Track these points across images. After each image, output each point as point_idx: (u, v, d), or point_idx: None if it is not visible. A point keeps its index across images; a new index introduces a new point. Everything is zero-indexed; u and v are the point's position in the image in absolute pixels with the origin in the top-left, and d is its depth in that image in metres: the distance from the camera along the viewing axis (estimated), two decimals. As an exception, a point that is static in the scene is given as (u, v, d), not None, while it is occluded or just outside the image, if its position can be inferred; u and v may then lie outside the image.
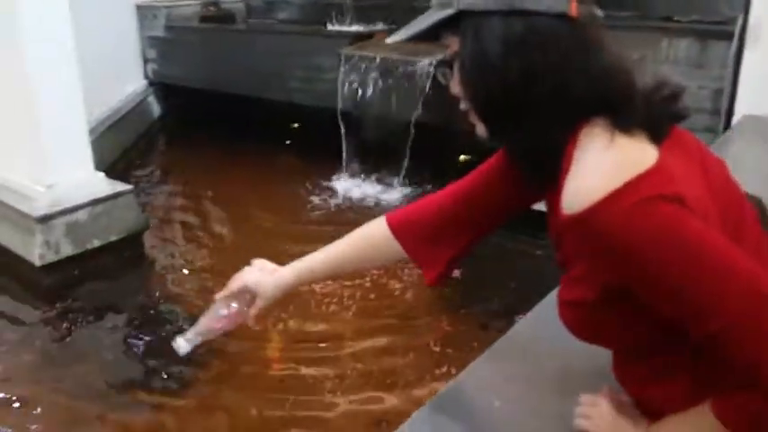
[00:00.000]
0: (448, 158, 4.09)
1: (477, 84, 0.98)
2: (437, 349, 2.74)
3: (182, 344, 1.33)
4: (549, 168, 0.99)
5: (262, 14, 5.79)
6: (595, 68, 0.93)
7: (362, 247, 1.33)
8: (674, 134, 0.96)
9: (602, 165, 0.89)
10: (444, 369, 2.59)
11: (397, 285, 3.21)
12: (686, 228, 0.85)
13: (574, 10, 0.93)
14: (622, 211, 0.84)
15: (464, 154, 4.06)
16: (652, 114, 0.94)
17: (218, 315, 1.34)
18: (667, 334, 0.95)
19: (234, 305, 1.34)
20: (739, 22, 3.39)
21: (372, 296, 3.14)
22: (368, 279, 3.22)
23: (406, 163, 4.05)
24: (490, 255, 3.40)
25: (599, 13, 0.97)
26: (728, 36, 3.33)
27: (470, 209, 1.22)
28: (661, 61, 3.52)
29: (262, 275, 1.34)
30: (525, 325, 1.57)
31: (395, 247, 1.27)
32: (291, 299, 3.04)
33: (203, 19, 5.57)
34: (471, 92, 0.99)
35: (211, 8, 5.71)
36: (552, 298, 1.56)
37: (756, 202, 1.09)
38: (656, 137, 0.92)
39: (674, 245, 0.85)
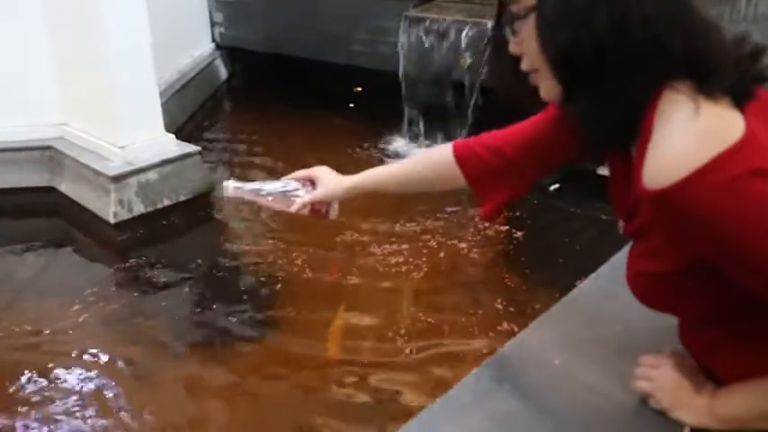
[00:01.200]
0: (510, 121, 4.04)
1: (559, 36, 0.90)
2: (500, 308, 2.77)
3: (230, 187, 1.41)
4: (623, 135, 0.95)
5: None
6: (691, 23, 0.89)
7: (427, 168, 1.39)
8: (758, 97, 0.91)
9: (689, 137, 0.85)
10: (506, 326, 2.63)
11: (463, 245, 3.25)
12: None
13: None
14: (711, 189, 0.81)
15: (528, 115, 4.00)
16: (737, 77, 0.89)
17: (275, 186, 1.42)
18: (743, 303, 0.93)
19: (292, 185, 1.42)
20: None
21: (441, 255, 3.18)
22: (434, 239, 3.25)
23: (468, 126, 4.02)
24: (554, 219, 3.39)
25: None
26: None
27: (528, 157, 1.25)
28: (741, 20, 3.38)
29: (328, 171, 1.44)
30: (586, 288, 1.57)
31: (456, 175, 1.31)
32: (358, 258, 3.11)
33: (270, -18, 5.58)
34: (552, 47, 0.91)
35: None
36: (614, 262, 1.56)
37: None
38: (741, 101, 0.88)
39: (764, 222, 0.82)
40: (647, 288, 1.03)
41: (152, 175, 3.54)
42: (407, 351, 2.54)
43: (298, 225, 3.45)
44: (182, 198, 3.64)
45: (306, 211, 1.44)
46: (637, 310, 1.08)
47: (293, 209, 1.42)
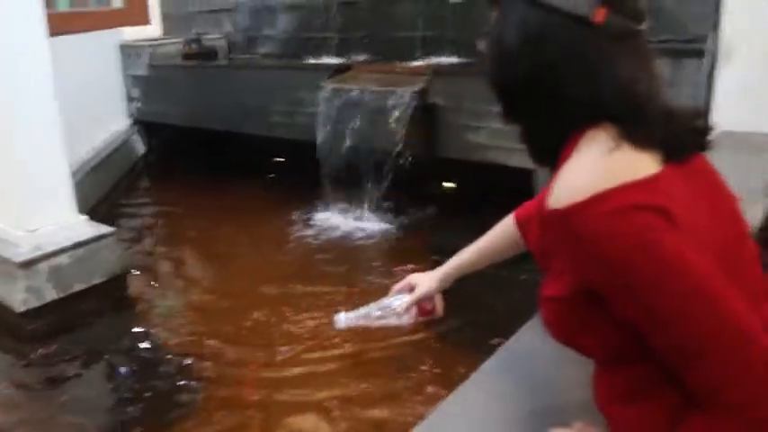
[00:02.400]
0: (430, 187, 4.11)
1: (491, 63, 0.99)
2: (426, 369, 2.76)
3: (340, 319, 1.49)
4: (550, 159, 0.99)
5: (243, 50, 5.83)
6: (606, 78, 0.92)
7: (500, 241, 1.46)
8: (691, 160, 0.96)
9: (596, 166, 0.88)
10: (431, 390, 2.62)
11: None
12: (663, 241, 0.84)
13: (599, 17, 0.91)
14: (602, 215, 0.84)
15: (447, 182, 4.07)
16: (670, 136, 0.93)
17: (382, 304, 1.50)
18: (644, 344, 0.92)
19: (399, 300, 1.50)
20: (709, 39, 3.43)
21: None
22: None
23: (387, 194, 4.05)
24: (477, 281, 3.40)
25: (636, 26, 0.95)
26: (700, 54, 3.36)
27: None
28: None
29: (421, 274, 1.53)
30: (505, 352, 1.55)
31: (521, 241, 1.38)
32: (278, 332, 3.04)
33: (186, 56, 5.60)
34: (488, 69, 1.00)
35: (193, 45, 5.73)
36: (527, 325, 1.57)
37: None
38: (670, 158, 0.92)
39: (646, 256, 0.84)
40: (550, 316, 1.03)
41: (64, 260, 3.40)
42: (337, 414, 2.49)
43: (214, 304, 3.37)
44: (96, 281, 3.49)
45: (415, 316, 1.52)
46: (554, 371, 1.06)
47: (403, 321, 1.51)
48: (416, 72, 4.13)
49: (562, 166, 0.93)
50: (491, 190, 3.49)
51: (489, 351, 1.55)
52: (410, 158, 3.94)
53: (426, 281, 1.52)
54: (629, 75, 0.93)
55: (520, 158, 3.64)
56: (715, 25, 3.38)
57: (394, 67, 4.38)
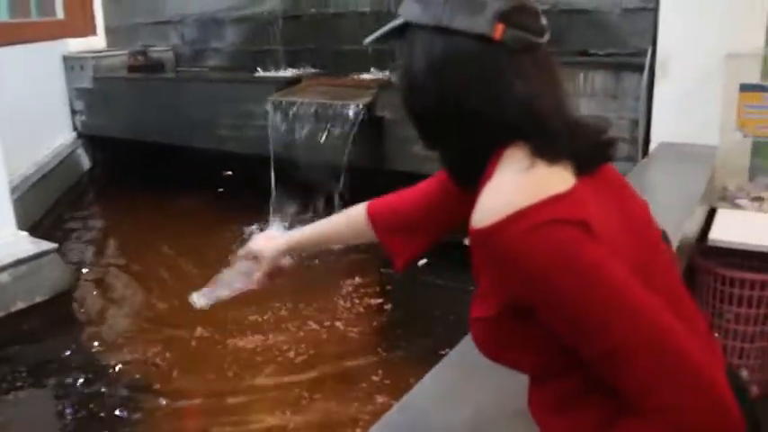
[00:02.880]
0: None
1: (403, 95, 1.00)
2: (377, 379, 2.78)
3: (199, 299, 1.48)
4: (471, 183, 1.00)
5: (191, 62, 5.77)
6: (508, 95, 0.93)
7: (344, 228, 1.46)
8: (600, 171, 0.99)
9: (514, 185, 0.90)
10: (381, 400, 2.65)
11: (337, 323, 3.24)
12: (584, 253, 0.86)
13: (498, 33, 0.92)
14: (523, 231, 0.86)
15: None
16: (579, 148, 0.95)
17: (231, 274, 1.50)
18: (570, 357, 0.94)
19: (245, 267, 1.49)
20: (649, 53, 3.54)
21: (317, 334, 3.14)
22: (307, 322, 3.21)
23: (334, 206, 4.06)
24: (424, 292, 3.44)
25: (536, 39, 0.95)
26: (640, 68, 3.46)
27: (434, 211, 1.31)
28: (580, 94, 3.64)
29: (264, 242, 1.51)
30: (447, 362, 1.58)
31: (370, 233, 1.39)
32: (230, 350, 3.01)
33: (131, 68, 5.53)
34: (401, 100, 1.02)
35: (140, 57, 5.67)
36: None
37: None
38: (581, 170, 0.94)
39: (566, 271, 0.86)
40: (478, 336, 1.05)
41: (3, 277, 3.32)
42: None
43: (160, 320, 3.33)
44: (38, 300, 3.41)
45: (267, 282, 1.51)
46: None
47: (256, 287, 1.50)
48: (364, 85, 4.16)
49: (483, 187, 0.95)
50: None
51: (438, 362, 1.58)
52: (357, 171, 3.96)
53: (269, 252, 1.50)
54: (531, 90, 0.94)
55: (466, 170, 3.71)
56: (654, 40, 3.49)
57: (342, 80, 4.40)
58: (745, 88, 2.77)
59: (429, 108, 0.98)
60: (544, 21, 0.98)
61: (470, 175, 1.01)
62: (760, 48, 2.85)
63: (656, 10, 3.35)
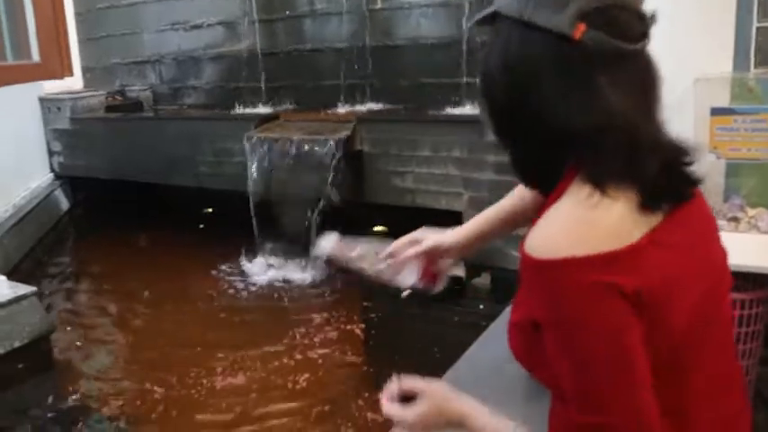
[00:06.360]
0: (360, 233, 4.13)
1: (479, 85, 0.96)
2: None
3: (324, 246, 1.26)
4: (540, 190, 0.97)
5: (169, 101, 5.79)
6: (579, 103, 0.86)
7: (524, 201, 1.35)
8: (684, 208, 0.91)
9: (576, 222, 0.85)
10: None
11: (323, 351, 3.25)
12: (610, 318, 0.84)
13: (578, 33, 0.84)
14: (570, 280, 0.83)
15: (377, 227, 4.10)
16: (655, 179, 0.86)
17: (376, 258, 1.26)
18: None
19: (381, 249, 1.26)
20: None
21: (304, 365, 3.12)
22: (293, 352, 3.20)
23: (316, 242, 4.05)
24: (408, 322, 3.43)
25: (623, 44, 0.85)
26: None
27: None
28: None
29: (433, 231, 1.37)
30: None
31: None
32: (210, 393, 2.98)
33: (109, 108, 5.52)
34: (478, 88, 0.97)
35: (117, 97, 5.67)
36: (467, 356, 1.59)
37: None
38: (652, 205, 0.87)
39: (588, 325, 0.84)
40: (512, 340, 1.03)
41: (-19, 324, 3.26)
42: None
43: (143, 363, 3.28)
44: (16, 345, 3.35)
45: (416, 279, 1.32)
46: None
47: (400, 280, 1.28)
48: (342, 120, 4.18)
49: (549, 207, 0.90)
50: (420, 233, 3.54)
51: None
52: (339, 206, 3.97)
53: (441, 236, 1.35)
54: (606, 102, 0.85)
55: (447, 201, 3.73)
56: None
57: (320, 115, 4.43)
58: (715, 112, 2.82)
59: (497, 103, 0.93)
60: (645, 24, 0.89)
61: (536, 183, 0.98)
62: (728, 72, 2.91)
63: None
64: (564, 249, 0.83)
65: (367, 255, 1.27)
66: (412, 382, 1.11)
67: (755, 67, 3.03)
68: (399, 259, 1.31)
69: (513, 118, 0.93)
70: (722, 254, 1.00)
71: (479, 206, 4.15)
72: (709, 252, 0.96)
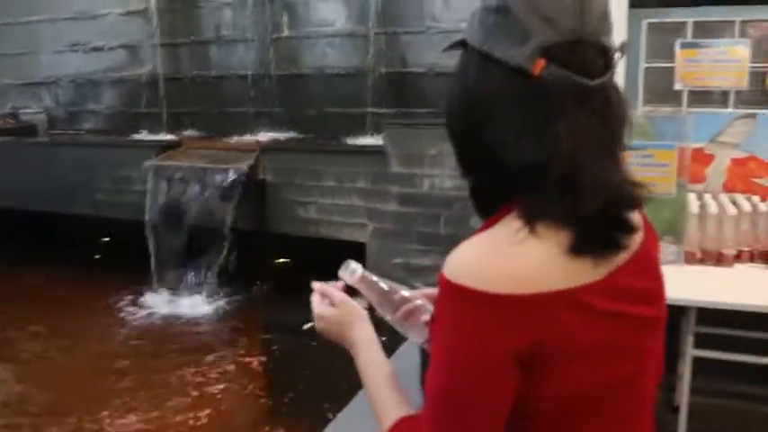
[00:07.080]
0: (263, 264, 4.06)
1: (444, 107, 0.93)
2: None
3: (356, 269, 1.12)
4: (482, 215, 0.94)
5: (66, 125, 5.57)
6: (530, 140, 0.83)
7: None
8: (629, 265, 0.88)
9: (489, 257, 0.82)
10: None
11: (221, 385, 3.17)
12: (482, 364, 0.82)
13: (537, 69, 0.82)
14: (461, 308, 0.81)
15: (280, 258, 4.06)
16: (588, 222, 0.83)
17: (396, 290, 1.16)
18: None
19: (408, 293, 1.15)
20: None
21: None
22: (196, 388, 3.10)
23: (217, 272, 3.96)
24: (310, 355, 3.40)
25: (583, 80, 0.82)
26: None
27: None
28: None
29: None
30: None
31: None
32: None
33: (0, 132, 5.26)
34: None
35: (9, 120, 5.42)
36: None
37: None
38: (581, 250, 0.83)
39: (460, 364, 0.82)
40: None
41: None
42: None
43: (41, 398, 3.12)
44: None
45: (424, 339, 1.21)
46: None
47: (412, 334, 1.17)
48: (245, 148, 4.12)
49: (479, 231, 0.88)
50: (324, 264, 3.51)
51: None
52: (241, 236, 3.91)
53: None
54: (557, 142, 0.82)
55: (351, 232, 3.73)
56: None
57: (223, 143, 4.36)
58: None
59: (454, 131, 0.91)
60: (608, 58, 0.86)
61: (481, 212, 0.94)
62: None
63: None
64: (465, 277, 0.81)
65: (385, 303, 1.24)
66: (332, 291, 1.11)
67: (644, 104, 3.19)
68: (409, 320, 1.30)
69: (468, 148, 0.91)
70: (657, 322, 0.95)
71: (383, 237, 4.23)
72: (636, 332, 0.91)
